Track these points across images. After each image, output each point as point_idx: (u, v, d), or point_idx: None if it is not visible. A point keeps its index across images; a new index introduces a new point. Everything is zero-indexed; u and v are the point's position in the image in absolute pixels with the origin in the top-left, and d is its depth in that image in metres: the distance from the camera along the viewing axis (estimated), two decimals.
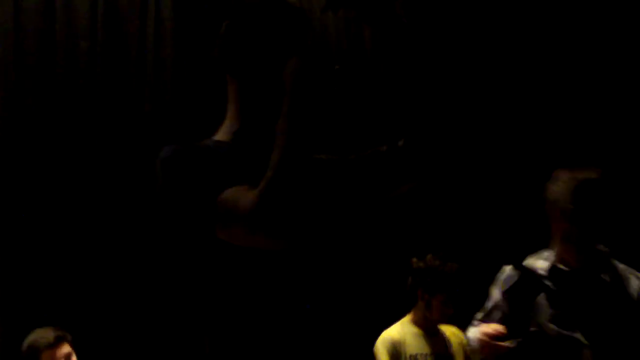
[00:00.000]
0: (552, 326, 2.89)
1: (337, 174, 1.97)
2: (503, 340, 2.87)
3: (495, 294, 3.07)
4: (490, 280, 3.15)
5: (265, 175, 1.71)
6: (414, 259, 4.16)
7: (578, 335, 2.87)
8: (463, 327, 4.28)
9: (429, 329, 4.13)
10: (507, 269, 3.08)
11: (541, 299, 2.94)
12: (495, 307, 3.06)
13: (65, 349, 3.92)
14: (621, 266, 3.04)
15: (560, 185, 2.98)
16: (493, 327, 2.91)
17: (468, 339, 3.15)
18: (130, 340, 4.54)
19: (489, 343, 2.88)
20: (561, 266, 2.97)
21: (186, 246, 1.86)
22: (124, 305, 4.57)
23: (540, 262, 3.02)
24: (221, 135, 1.99)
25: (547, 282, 2.96)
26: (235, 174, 1.83)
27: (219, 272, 1.86)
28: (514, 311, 2.98)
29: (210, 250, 1.83)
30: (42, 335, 3.91)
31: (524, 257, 3.12)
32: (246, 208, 1.70)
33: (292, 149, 1.72)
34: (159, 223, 1.98)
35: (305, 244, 1.82)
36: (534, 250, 3.14)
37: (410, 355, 4.02)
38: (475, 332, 3.01)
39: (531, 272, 3.00)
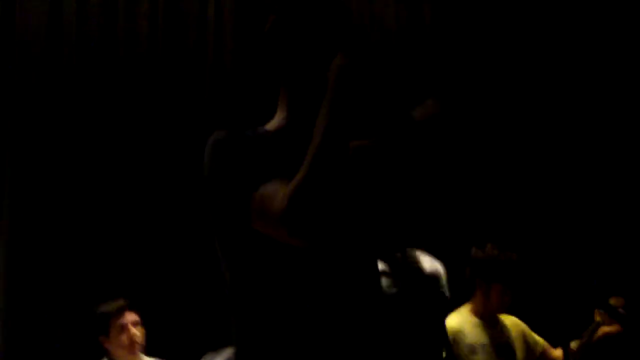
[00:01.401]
0: None
1: (369, 161, 1.93)
2: None
3: None
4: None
5: (296, 176, 1.66)
6: (474, 248, 4.09)
7: None
8: (522, 317, 4.23)
9: (488, 319, 4.06)
10: None
11: None
12: None
13: (133, 316, 4.03)
14: None
15: None
16: None
17: None
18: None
19: None
20: None
21: (223, 232, 1.84)
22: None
23: None
24: (272, 125, 1.98)
25: None
26: (280, 166, 1.79)
27: (252, 261, 1.82)
28: None
29: (244, 238, 1.80)
30: (111, 303, 4.04)
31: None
32: (277, 208, 1.66)
33: (328, 149, 1.66)
34: (204, 207, 1.96)
35: (337, 241, 1.77)
36: None
37: (469, 345, 3.96)
38: None
39: None
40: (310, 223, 1.63)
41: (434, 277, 3.34)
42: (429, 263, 3.37)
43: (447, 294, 3.33)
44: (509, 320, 4.18)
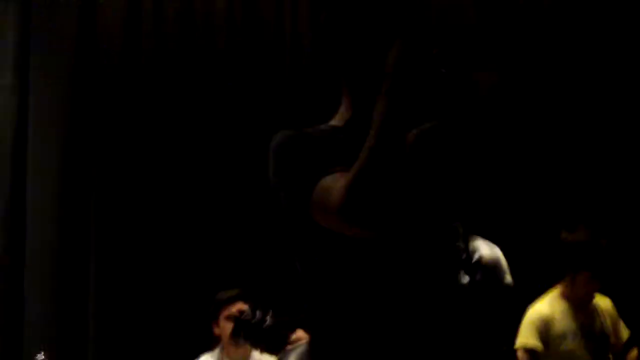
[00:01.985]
0: None
1: (431, 146, 1.90)
2: None
3: None
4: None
5: (354, 166, 1.65)
6: (563, 231, 3.99)
7: None
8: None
9: (578, 304, 3.97)
10: None
11: None
12: None
13: (241, 305, 4.03)
14: None
15: None
16: None
17: None
18: None
19: None
20: None
21: (292, 228, 1.85)
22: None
23: None
24: (336, 121, 1.98)
25: None
26: (342, 160, 1.79)
27: (315, 255, 1.83)
28: None
29: (310, 232, 1.81)
30: (226, 292, 4.15)
31: None
32: (336, 200, 1.66)
33: (385, 139, 1.65)
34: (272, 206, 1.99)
35: (398, 231, 1.76)
36: None
37: (559, 332, 3.88)
38: None
39: None
40: (369, 214, 1.63)
41: (494, 265, 3.28)
42: (487, 250, 3.30)
43: (510, 280, 3.27)
44: (604, 303, 4.07)
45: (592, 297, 3.98)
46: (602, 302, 4.06)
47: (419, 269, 1.82)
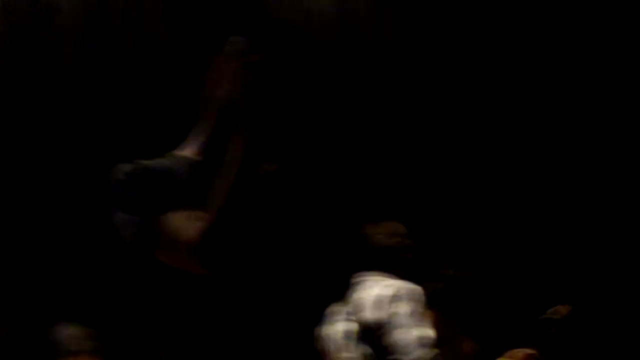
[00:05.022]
0: None
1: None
2: None
3: None
4: None
5: (211, 205, 1.67)
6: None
7: None
8: None
9: None
10: None
11: None
12: None
13: None
14: None
15: None
16: None
17: None
18: None
19: None
20: None
21: (128, 263, 1.82)
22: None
23: None
24: (189, 150, 1.90)
25: None
26: (191, 192, 1.78)
27: (157, 292, 1.82)
28: None
29: (149, 269, 1.79)
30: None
31: None
32: (191, 239, 1.66)
33: (244, 176, 1.67)
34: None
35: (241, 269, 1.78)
36: None
37: None
38: None
39: None
40: (222, 256, 1.67)
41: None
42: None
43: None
44: None
45: None
46: None
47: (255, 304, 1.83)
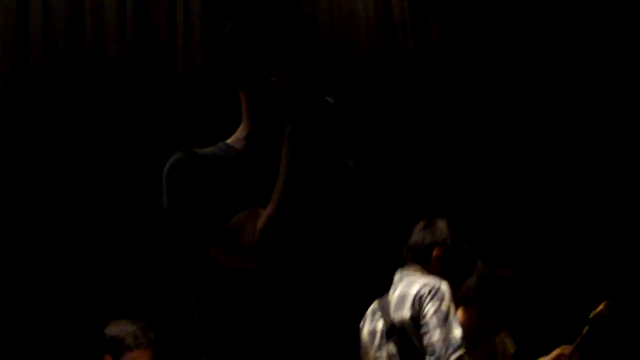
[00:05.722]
0: None
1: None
2: None
3: None
4: None
5: (267, 210, 1.67)
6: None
7: None
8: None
9: None
10: None
11: None
12: None
13: None
14: None
15: None
16: None
17: None
18: None
19: None
20: None
21: (180, 256, 1.83)
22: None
23: None
24: (234, 139, 1.93)
25: None
26: (244, 183, 1.78)
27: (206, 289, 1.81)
28: None
29: (200, 263, 1.79)
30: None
31: None
32: (248, 241, 1.67)
33: (295, 180, 1.67)
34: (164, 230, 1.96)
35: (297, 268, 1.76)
36: None
37: None
38: None
39: None
40: (281, 257, 1.66)
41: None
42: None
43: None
44: None
45: None
46: None
47: (308, 303, 1.80)
